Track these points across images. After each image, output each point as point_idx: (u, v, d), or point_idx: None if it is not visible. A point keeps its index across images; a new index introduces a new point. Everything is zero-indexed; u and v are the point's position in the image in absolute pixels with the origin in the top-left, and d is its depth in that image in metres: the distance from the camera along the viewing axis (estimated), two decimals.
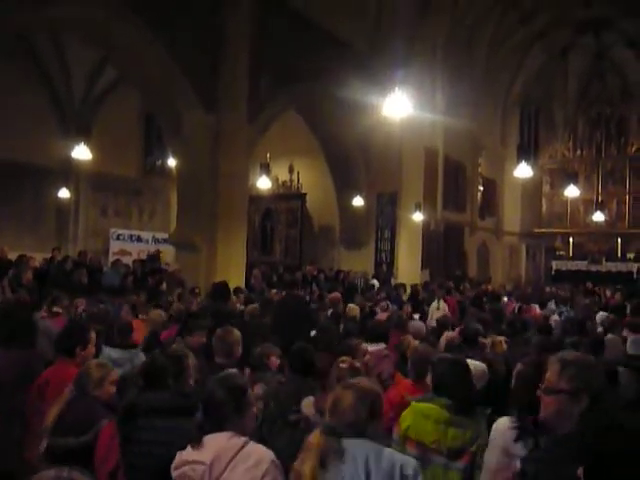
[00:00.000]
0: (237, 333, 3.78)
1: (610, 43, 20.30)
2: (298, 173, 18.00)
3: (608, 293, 14.90)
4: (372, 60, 14.41)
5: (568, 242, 22.71)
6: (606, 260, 21.26)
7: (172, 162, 14.20)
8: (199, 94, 10.92)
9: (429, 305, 11.11)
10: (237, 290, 8.91)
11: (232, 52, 11.19)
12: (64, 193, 16.33)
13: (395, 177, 16.04)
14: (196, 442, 2.26)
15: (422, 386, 3.48)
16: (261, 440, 2.39)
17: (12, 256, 9.98)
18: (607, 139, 22.08)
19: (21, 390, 3.59)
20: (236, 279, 10.33)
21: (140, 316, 6.61)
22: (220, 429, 2.28)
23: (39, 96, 15.44)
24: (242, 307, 7.69)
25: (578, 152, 22.43)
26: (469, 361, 3.97)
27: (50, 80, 15.75)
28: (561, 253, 22.67)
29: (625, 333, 6.03)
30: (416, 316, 9.11)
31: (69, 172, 16.31)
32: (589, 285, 17.10)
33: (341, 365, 3.38)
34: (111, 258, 14.19)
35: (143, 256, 14.63)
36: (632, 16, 18.38)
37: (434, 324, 8.53)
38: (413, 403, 3.06)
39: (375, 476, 2.14)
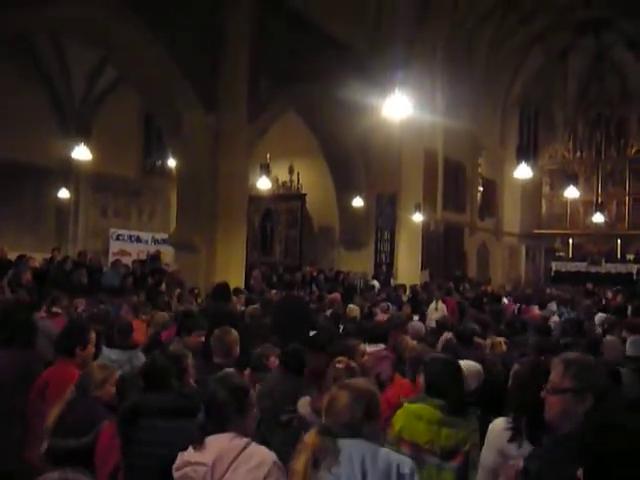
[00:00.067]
0: (235, 333, 3.79)
1: (610, 44, 20.32)
2: (298, 174, 18.00)
3: (609, 294, 14.88)
4: (372, 61, 14.42)
5: (568, 243, 22.73)
6: (606, 261, 21.28)
7: (172, 162, 14.21)
8: (199, 94, 10.92)
9: (428, 306, 11.11)
10: (237, 291, 8.91)
11: (232, 52, 11.20)
12: (64, 193, 16.32)
13: (395, 178, 16.04)
14: (198, 443, 2.25)
15: (420, 386, 3.47)
16: (263, 441, 2.38)
17: (12, 256, 9.99)
18: (607, 140, 22.10)
19: (21, 390, 3.59)
20: (236, 280, 10.33)
21: (141, 316, 6.61)
22: (222, 430, 2.27)
23: (39, 96, 15.43)
24: (242, 308, 7.70)
25: (578, 153, 22.45)
26: (463, 361, 3.99)
27: (50, 80, 15.75)
28: (561, 254, 22.69)
29: (624, 334, 6.04)
30: (416, 317, 9.11)
31: (69, 172, 16.30)
32: (589, 286, 17.10)
33: (337, 365, 3.38)
34: (111, 258, 14.17)
35: (143, 256, 14.62)
36: (632, 17, 18.39)
37: (433, 325, 8.54)
38: (405, 404, 3.07)
39: (371, 476, 2.15)
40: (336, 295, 10.33)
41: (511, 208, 23.01)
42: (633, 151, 21.52)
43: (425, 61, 15.88)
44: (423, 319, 9.69)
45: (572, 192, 19.89)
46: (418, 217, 16.13)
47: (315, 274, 14.64)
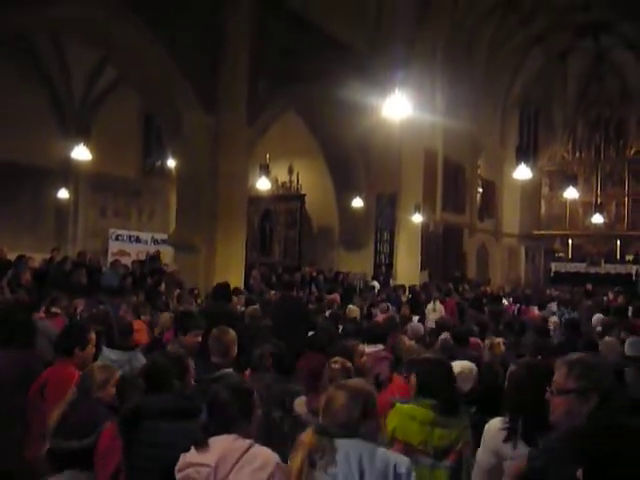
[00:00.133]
0: (233, 333, 3.78)
1: (609, 46, 20.34)
2: (297, 174, 18.00)
3: (611, 295, 14.90)
4: (372, 61, 14.42)
5: (567, 244, 22.73)
6: (605, 262, 21.28)
7: (171, 163, 14.21)
8: (199, 95, 10.92)
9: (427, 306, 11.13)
10: (237, 291, 8.91)
11: (232, 52, 11.20)
12: (63, 193, 16.32)
13: (394, 178, 16.05)
14: (201, 444, 2.25)
15: (412, 386, 3.48)
16: (266, 442, 2.37)
17: (11, 256, 9.98)
18: (606, 141, 22.12)
19: (21, 390, 3.59)
20: (235, 280, 10.32)
21: (142, 317, 6.61)
22: (226, 431, 2.27)
23: (39, 96, 15.43)
24: (242, 308, 7.70)
25: (577, 154, 22.47)
26: (458, 362, 4.00)
27: (50, 80, 15.74)
28: (560, 255, 22.70)
29: (623, 335, 6.05)
30: (415, 318, 9.12)
31: (68, 172, 16.29)
32: (588, 287, 17.12)
33: (333, 366, 3.38)
34: (110, 259, 14.17)
35: (142, 257, 14.61)
36: (631, 19, 18.40)
37: (432, 325, 8.55)
38: (398, 405, 3.08)
39: (369, 475, 2.15)
40: (335, 296, 10.34)
41: (510, 209, 23.02)
42: (632, 152, 21.54)
43: (425, 61, 15.89)
44: (422, 320, 9.70)
45: (571, 193, 19.91)
46: (418, 218, 16.14)
47: (314, 275, 14.65)
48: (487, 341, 5.57)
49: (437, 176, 18.24)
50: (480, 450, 2.57)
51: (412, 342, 5.36)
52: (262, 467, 2.18)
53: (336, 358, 3.46)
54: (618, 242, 21.74)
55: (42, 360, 3.98)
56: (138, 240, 16.43)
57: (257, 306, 7.37)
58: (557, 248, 22.91)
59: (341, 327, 6.96)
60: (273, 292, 10.70)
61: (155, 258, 13.64)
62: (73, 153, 13.90)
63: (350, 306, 8.94)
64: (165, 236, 14.18)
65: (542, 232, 22.88)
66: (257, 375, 3.78)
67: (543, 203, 23.05)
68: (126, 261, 13.13)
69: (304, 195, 17.92)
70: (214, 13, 10.94)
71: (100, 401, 3.09)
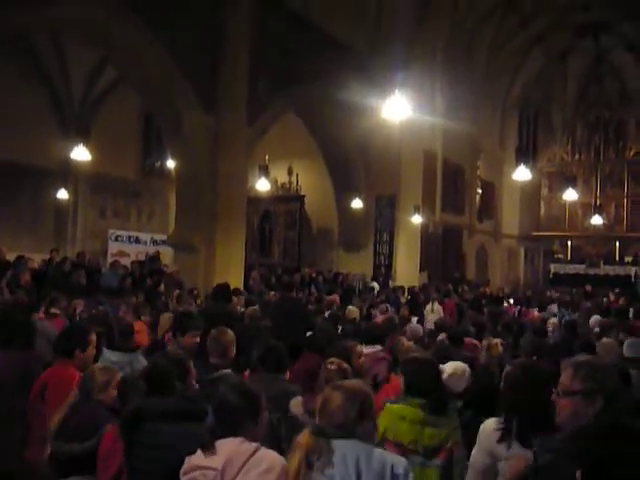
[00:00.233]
0: (231, 334, 3.78)
1: (609, 47, 20.35)
2: (297, 175, 18.00)
3: (612, 297, 14.94)
4: (372, 62, 14.42)
5: (566, 245, 22.74)
6: (604, 263, 21.28)
7: (171, 163, 14.20)
8: (199, 95, 10.92)
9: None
10: (236, 292, 8.92)
11: (232, 52, 11.20)
12: (63, 194, 16.31)
13: (394, 179, 16.06)
14: (208, 447, 2.23)
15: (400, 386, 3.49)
16: (272, 445, 2.36)
17: (10, 257, 9.98)
18: (605, 143, 22.12)
19: (21, 391, 3.58)
20: (235, 280, 10.32)
21: (142, 318, 6.61)
22: (232, 434, 2.25)
23: (39, 97, 15.42)
24: (242, 309, 7.70)
25: (577, 156, 22.48)
26: (452, 362, 4.01)
27: (50, 81, 15.74)
28: (559, 256, 22.71)
29: (621, 337, 6.06)
30: (414, 319, 9.13)
31: (68, 173, 16.29)
32: (588, 288, 17.14)
33: (329, 367, 3.38)
34: (109, 259, 14.17)
35: (141, 257, 14.60)
36: (631, 19, 18.42)
37: (431, 326, 8.57)
38: (387, 405, 3.08)
39: (366, 476, 2.15)
40: (335, 297, 10.35)
41: (510, 210, 23.03)
42: (632, 153, 21.55)
43: (425, 62, 15.89)
44: (421, 321, 9.72)
45: (571, 194, 19.91)
46: (417, 219, 16.15)
47: (314, 275, 14.65)
48: (485, 342, 5.57)
49: (436, 177, 18.25)
50: (475, 450, 2.57)
51: (410, 343, 5.37)
52: (268, 470, 2.17)
53: (332, 359, 3.46)
54: (617, 243, 21.75)
55: (41, 361, 3.98)
56: (137, 241, 16.42)
57: (257, 307, 7.38)
58: (556, 249, 22.92)
59: (340, 328, 6.98)
60: (272, 293, 10.70)
61: (155, 259, 13.64)
62: (73, 153, 13.90)
63: (349, 307, 8.96)
64: (164, 237, 14.17)
65: (541, 233, 22.89)
66: (256, 376, 3.79)
67: (542, 204, 23.06)
68: (125, 262, 13.13)
69: (303, 196, 17.92)
70: (214, 13, 10.95)
71: (101, 403, 3.08)
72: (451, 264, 19.15)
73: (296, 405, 3.33)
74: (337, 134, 15.46)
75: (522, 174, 15.81)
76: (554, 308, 12.50)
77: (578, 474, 1.53)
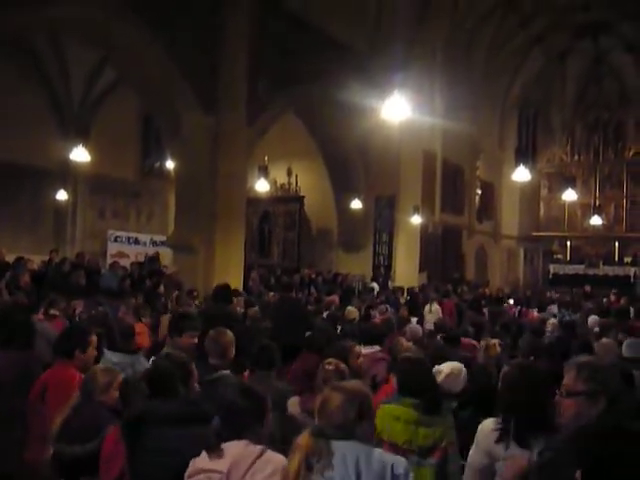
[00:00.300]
0: (230, 334, 3.78)
1: (608, 48, 20.36)
2: (296, 176, 18.00)
3: (612, 297, 14.97)
4: (371, 62, 14.41)
5: (566, 246, 22.75)
6: (603, 264, 21.29)
7: (170, 164, 14.21)
8: (198, 95, 10.92)
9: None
10: (235, 292, 8.92)
11: (231, 52, 11.19)
12: (62, 195, 16.31)
13: (393, 180, 16.06)
14: (214, 450, 2.22)
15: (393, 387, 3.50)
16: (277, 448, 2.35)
17: (10, 258, 9.98)
18: (605, 143, 22.14)
19: (21, 391, 3.58)
20: (234, 281, 10.32)
21: (143, 319, 6.60)
22: (237, 437, 2.24)
23: (38, 97, 15.43)
24: (241, 310, 7.70)
25: (576, 156, 22.50)
26: (449, 363, 4.01)
27: (49, 81, 15.75)
28: (559, 257, 22.71)
29: (620, 337, 6.07)
30: (414, 319, 9.14)
31: (67, 174, 16.29)
32: (587, 289, 17.16)
33: (327, 367, 3.38)
34: (109, 260, 14.16)
35: (141, 258, 14.60)
36: (631, 19, 18.44)
37: (428, 327, 8.58)
38: (381, 405, 3.09)
39: (366, 477, 2.14)
40: (334, 297, 10.36)
41: (509, 211, 23.04)
42: (631, 154, 21.57)
43: (424, 63, 15.89)
44: (421, 321, 9.73)
45: (570, 195, 19.91)
46: (416, 219, 16.15)
47: (313, 276, 14.65)
48: (482, 342, 5.58)
49: (436, 178, 18.25)
50: (472, 450, 2.58)
51: (409, 343, 5.37)
52: (274, 473, 2.17)
53: (330, 359, 3.46)
54: (616, 244, 21.76)
55: (41, 361, 3.98)
56: (137, 242, 16.42)
57: (257, 308, 7.38)
58: (555, 250, 22.92)
59: (339, 328, 6.98)
60: (272, 294, 10.70)
61: (154, 259, 13.64)
62: (72, 154, 13.91)
63: (349, 307, 8.96)
64: (164, 237, 14.16)
65: (541, 234, 22.90)
66: (254, 376, 3.79)
67: (542, 205, 23.07)
68: (125, 263, 13.13)
69: (303, 197, 17.91)
70: (214, 13, 10.94)
71: (103, 405, 3.06)
72: (450, 264, 19.16)
73: (293, 405, 3.34)
74: (336, 134, 15.46)
75: (521, 175, 15.83)
76: (554, 309, 12.50)
77: (578, 474, 1.53)
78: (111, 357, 4.31)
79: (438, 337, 5.93)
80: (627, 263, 21.19)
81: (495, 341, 5.42)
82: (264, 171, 17.03)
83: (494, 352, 5.13)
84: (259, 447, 2.23)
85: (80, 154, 13.67)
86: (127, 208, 18.09)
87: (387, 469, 2.18)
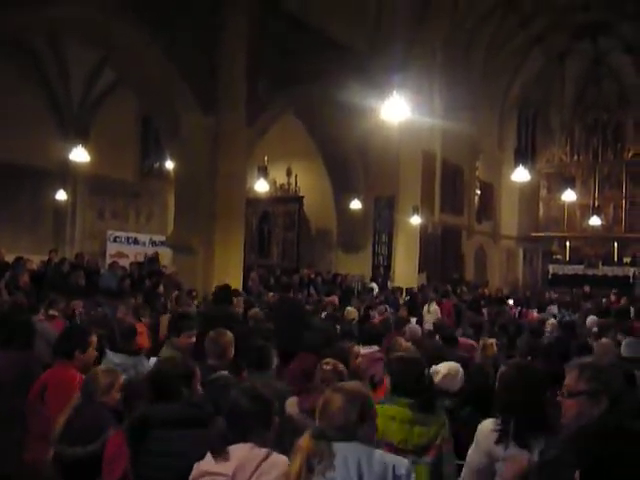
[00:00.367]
0: (230, 335, 3.78)
1: (608, 49, 20.37)
2: (296, 176, 18.00)
3: (613, 297, 15.01)
4: (371, 63, 14.42)
5: (565, 246, 22.75)
6: (602, 264, 21.30)
7: (169, 165, 14.20)
8: (197, 96, 10.92)
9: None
10: (235, 293, 8.92)
11: (231, 53, 11.19)
12: (61, 195, 16.31)
13: (393, 180, 16.06)
14: (220, 453, 2.21)
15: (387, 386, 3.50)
16: (283, 450, 2.33)
17: (9, 258, 9.99)
18: (604, 144, 22.14)
19: (20, 391, 3.59)
20: (234, 282, 10.32)
21: (143, 320, 6.60)
22: (243, 440, 2.23)
23: (38, 98, 15.43)
24: (240, 310, 7.70)
25: (575, 157, 22.49)
26: (446, 363, 4.02)
27: (49, 82, 15.75)
28: (558, 257, 22.72)
29: (620, 337, 6.09)
30: (413, 320, 9.15)
31: (67, 174, 16.29)
32: (586, 289, 17.17)
33: (325, 367, 3.39)
34: (108, 260, 14.17)
35: (140, 258, 14.61)
36: (630, 20, 18.45)
37: (427, 327, 8.59)
38: (376, 406, 3.08)
39: (368, 479, 2.14)
40: (333, 298, 10.37)
41: (508, 211, 23.04)
42: (630, 154, 21.57)
43: (423, 63, 15.89)
44: (420, 322, 9.74)
45: (569, 195, 19.90)
46: (416, 220, 16.15)
47: (313, 276, 14.65)
48: (480, 342, 5.59)
49: (435, 178, 18.26)
50: (471, 450, 2.58)
51: (408, 344, 5.38)
52: (279, 476, 2.16)
53: (328, 359, 3.47)
54: (616, 244, 21.76)
55: (41, 362, 3.99)
56: (136, 242, 16.41)
57: (257, 309, 7.39)
58: (555, 250, 22.93)
59: (338, 328, 6.98)
60: (271, 294, 10.71)
61: (154, 260, 13.64)
62: (71, 155, 13.90)
63: (348, 308, 8.97)
64: (163, 238, 14.16)
65: (540, 234, 22.91)
66: (251, 376, 3.79)
67: (541, 205, 23.07)
68: (124, 263, 13.13)
69: (302, 197, 17.92)
70: (214, 13, 10.94)
71: (105, 406, 3.06)
72: (450, 265, 19.16)
73: (291, 405, 3.34)
74: (336, 135, 15.47)
75: (521, 175, 15.81)
76: (554, 309, 12.51)
77: (577, 475, 1.53)
78: (113, 358, 4.31)
79: (437, 337, 5.94)
80: (626, 263, 21.19)
81: (492, 341, 5.44)
82: (263, 171, 17.03)
83: (491, 352, 5.15)
84: (264, 450, 2.22)
85: (79, 154, 13.67)
86: (126, 208, 18.09)
87: (389, 470, 2.18)
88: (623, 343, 5.42)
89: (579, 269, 21.41)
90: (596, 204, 21.56)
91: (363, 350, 4.64)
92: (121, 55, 10.98)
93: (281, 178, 18.13)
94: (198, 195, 11.24)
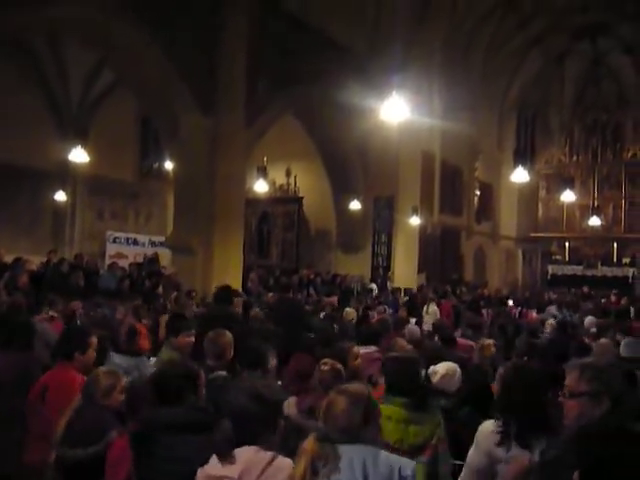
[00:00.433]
0: (229, 335, 3.78)
1: (607, 49, 20.39)
2: (295, 177, 18.01)
3: (613, 298, 15.03)
4: (370, 63, 14.43)
5: (564, 246, 22.77)
6: (602, 265, 21.31)
7: (169, 165, 14.21)
8: (196, 97, 10.92)
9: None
10: (234, 293, 8.91)
11: (231, 53, 11.19)
12: (61, 196, 16.30)
13: (392, 181, 16.07)
14: (226, 456, 2.20)
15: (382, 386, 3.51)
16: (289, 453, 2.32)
17: (8, 259, 9.98)
18: (603, 145, 22.15)
19: (20, 392, 3.58)
20: (233, 282, 10.30)
21: (143, 321, 6.59)
22: (248, 443, 2.22)
23: (37, 98, 15.42)
24: (239, 311, 7.69)
25: (574, 157, 22.51)
26: (444, 363, 4.03)
27: (48, 82, 15.75)
28: (557, 257, 22.73)
29: (618, 337, 6.10)
30: (412, 320, 9.15)
31: (66, 175, 16.28)
32: (585, 290, 17.18)
33: (323, 367, 3.39)
34: (107, 261, 14.16)
35: (139, 259, 14.59)
36: (629, 21, 18.47)
37: (427, 328, 8.59)
38: None
39: None
40: (333, 298, 10.37)
41: (508, 212, 23.05)
42: (629, 155, 21.59)
43: (422, 63, 15.89)
44: (420, 322, 9.74)
45: (568, 196, 19.93)
46: (415, 220, 16.16)
47: (312, 277, 14.64)
48: (478, 343, 5.59)
49: (435, 179, 18.26)
50: (472, 451, 2.58)
51: (406, 344, 5.38)
52: (287, 479, 2.15)
53: (326, 360, 3.47)
54: (615, 245, 21.77)
55: (40, 363, 3.98)
56: (136, 242, 16.40)
57: (258, 309, 7.39)
58: (554, 251, 22.93)
59: (336, 328, 6.99)
60: (270, 294, 10.71)
61: (153, 260, 13.63)
62: (71, 155, 13.91)
63: (347, 309, 8.96)
64: (162, 238, 14.16)
65: (539, 235, 22.91)
66: (247, 376, 3.79)
67: (540, 206, 23.08)
68: (124, 263, 13.13)
69: (302, 198, 17.92)
70: (214, 13, 10.94)
71: (107, 408, 3.05)
72: (449, 265, 19.16)
73: (290, 406, 3.34)
74: (335, 135, 15.47)
75: (520, 176, 15.85)
76: (553, 309, 12.51)
77: (576, 475, 1.53)
78: (117, 360, 4.30)
79: (436, 338, 5.95)
80: (625, 264, 21.20)
81: (490, 341, 5.44)
82: (263, 172, 17.03)
83: (489, 352, 5.15)
84: (270, 453, 2.21)
85: (79, 155, 13.67)
86: (126, 209, 18.09)
87: (395, 471, 2.17)
88: (622, 343, 5.44)
89: (578, 269, 21.42)
90: (595, 204, 21.57)
91: (361, 350, 4.63)
92: (120, 55, 10.97)
93: (280, 178, 18.14)
94: (197, 196, 11.24)
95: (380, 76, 12.81)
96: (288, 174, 18.06)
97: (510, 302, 14.55)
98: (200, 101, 10.95)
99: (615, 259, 21.61)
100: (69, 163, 14.89)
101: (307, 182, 17.67)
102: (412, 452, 2.92)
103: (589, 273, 21.00)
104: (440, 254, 18.61)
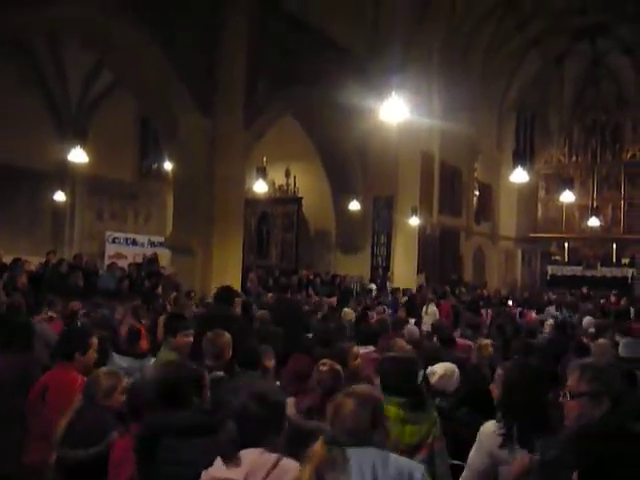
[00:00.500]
0: (228, 336, 3.78)
1: (606, 50, 20.41)
2: (294, 177, 18.02)
3: (613, 298, 15.04)
4: (370, 64, 14.44)
5: (563, 247, 22.78)
6: (601, 265, 21.32)
7: (168, 166, 14.20)
8: (195, 98, 10.92)
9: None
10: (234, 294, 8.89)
11: (229, 54, 11.19)
12: (60, 196, 16.28)
13: (391, 181, 16.07)
14: (231, 458, 2.18)
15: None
16: (291, 454, 2.30)
17: (7, 259, 9.98)
18: (602, 145, 22.17)
19: (20, 392, 3.58)
20: (232, 283, 10.29)
21: (143, 321, 6.58)
22: (253, 445, 2.21)
23: (36, 99, 15.41)
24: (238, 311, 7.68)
25: (573, 158, 22.53)
26: (442, 364, 4.03)
27: (47, 83, 15.75)
28: (556, 258, 22.74)
29: (617, 337, 6.10)
30: (412, 320, 9.15)
31: (65, 175, 16.27)
32: (585, 290, 17.19)
33: (321, 368, 3.39)
34: (107, 261, 14.17)
35: (139, 259, 14.59)
36: (628, 22, 18.48)
37: (426, 328, 8.60)
38: None
39: None
40: (332, 299, 10.37)
41: (507, 212, 23.06)
42: (628, 155, 21.60)
43: (422, 64, 15.90)
44: (419, 323, 9.74)
45: (568, 196, 19.93)
46: (414, 221, 16.16)
47: (311, 277, 14.65)
48: (476, 343, 5.60)
49: (434, 179, 18.27)
50: (473, 452, 2.58)
51: (405, 344, 5.38)
52: None
53: (324, 360, 3.47)
54: (614, 245, 21.79)
55: (40, 363, 3.98)
56: (135, 243, 16.41)
57: (264, 311, 7.37)
58: (553, 251, 22.95)
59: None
60: (270, 295, 10.71)
61: (153, 261, 13.63)
62: (70, 156, 13.87)
63: (345, 309, 8.96)
64: (162, 239, 14.16)
65: (538, 235, 22.92)
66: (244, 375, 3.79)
67: (539, 206, 23.09)
68: (123, 264, 13.13)
69: (301, 198, 17.92)
70: (214, 13, 10.93)
71: (108, 409, 3.04)
72: (448, 266, 19.17)
73: (289, 406, 3.34)
74: (335, 136, 15.47)
75: (519, 176, 15.83)
76: (552, 310, 12.52)
77: (575, 475, 1.53)
78: (119, 361, 4.29)
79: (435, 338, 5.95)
80: (625, 264, 21.22)
81: (487, 341, 5.44)
82: (262, 172, 17.02)
83: (487, 352, 5.15)
84: (275, 455, 2.19)
85: (78, 156, 13.65)
86: (125, 209, 18.08)
87: (404, 475, 2.15)
88: (621, 343, 5.44)
89: (577, 270, 21.44)
90: (594, 205, 21.59)
91: (360, 350, 4.63)
92: (120, 56, 10.95)
93: (280, 179, 18.14)
94: (197, 196, 11.24)
95: (379, 76, 12.82)
96: (287, 174, 18.06)
97: (510, 302, 14.57)
98: (199, 102, 10.94)
99: (614, 260, 21.63)
100: (68, 163, 14.86)
101: (306, 182, 17.67)
102: (408, 451, 2.91)
103: (588, 274, 21.02)
104: (439, 254, 18.62)
